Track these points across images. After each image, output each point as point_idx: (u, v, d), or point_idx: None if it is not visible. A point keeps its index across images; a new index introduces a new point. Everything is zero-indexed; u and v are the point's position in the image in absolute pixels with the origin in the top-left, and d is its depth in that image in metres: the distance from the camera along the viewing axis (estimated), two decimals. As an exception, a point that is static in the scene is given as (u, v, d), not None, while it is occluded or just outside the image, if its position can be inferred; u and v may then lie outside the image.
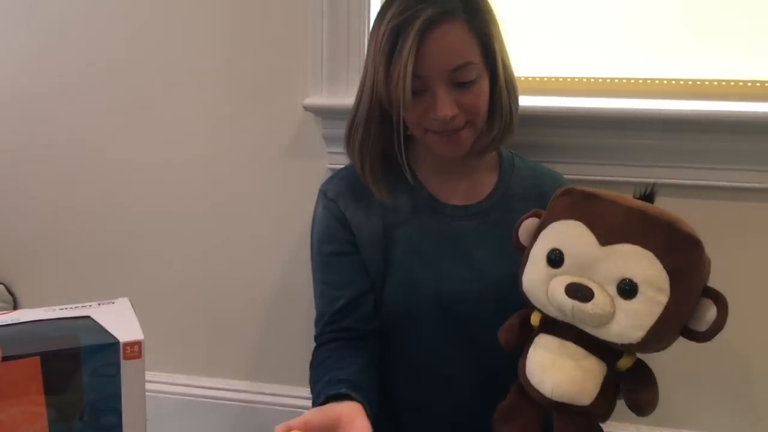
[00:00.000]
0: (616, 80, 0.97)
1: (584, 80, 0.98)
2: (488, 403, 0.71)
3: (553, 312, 0.63)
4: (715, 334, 0.58)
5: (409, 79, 0.69)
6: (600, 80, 0.97)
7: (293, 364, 1.11)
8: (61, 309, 0.54)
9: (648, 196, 0.63)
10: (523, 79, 0.97)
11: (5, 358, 0.46)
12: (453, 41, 0.70)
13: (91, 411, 0.50)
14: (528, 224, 0.68)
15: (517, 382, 0.68)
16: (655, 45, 0.95)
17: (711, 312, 0.58)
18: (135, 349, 0.51)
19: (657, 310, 0.57)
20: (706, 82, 0.94)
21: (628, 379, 0.62)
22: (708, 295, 0.58)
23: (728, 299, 0.58)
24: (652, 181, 0.65)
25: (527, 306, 0.67)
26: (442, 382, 0.82)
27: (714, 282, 0.60)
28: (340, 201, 0.82)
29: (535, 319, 0.67)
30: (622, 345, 0.59)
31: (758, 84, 0.93)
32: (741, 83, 0.94)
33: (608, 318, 0.58)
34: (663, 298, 0.56)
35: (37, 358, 0.47)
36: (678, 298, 0.57)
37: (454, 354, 0.81)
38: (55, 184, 1.14)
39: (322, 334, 0.80)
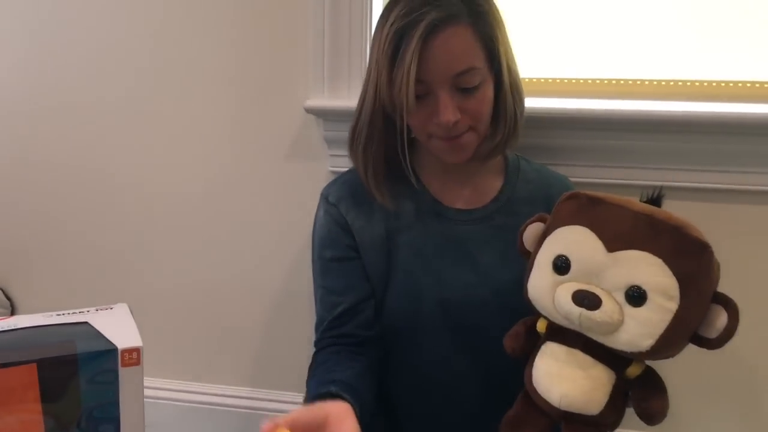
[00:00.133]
0: (622, 82, 0.96)
1: (590, 82, 0.97)
2: (492, 411, 0.70)
3: (559, 320, 0.61)
4: (726, 341, 0.57)
5: (412, 83, 0.68)
6: (606, 82, 0.97)
7: (294, 371, 1.09)
8: (59, 315, 0.54)
9: (655, 200, 0.62)
10: (527, 80, 0.96)
11: (1, 365, 0.46)
12: (457, 46, 0.69)
13: (89, 419, 0.49)
14: (533, 229, 0.67)
15: (524, 390, 0.66)
16: (663, 46, 0.94)
17: (722, 318, 0.56)
18: (133, 355, 0.50)
19: (667, 318, 0.56)
20: (714, 84, 0.93)
21: (638, 387, 0.61)
22: (718, 301, 0.57)
23: (738, 305, 0.57)
24: (659, 184, 0.64)
25: (533, 312, 0.66)
26: (446, 390, 0.81)
27: (723, 287, 0.59)
28: (341, 205, 0.81)
29: (541, 326, 0.66)
30: (631, 353, 0.58)
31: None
32: (750, 84, 0.93)
33: (616, 326, 0.57)
34: (673, 306, 0.55)
35: (34, 365, 0.46)
36: (688, 304, 0.55)
37: (458, 361, 0.80)
38: (53, 187, 1.14)
39: (322, 339, 0.80)
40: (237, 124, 1.05)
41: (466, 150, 0.76)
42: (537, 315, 0.67)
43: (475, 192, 0.81)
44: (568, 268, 0.60)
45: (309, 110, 0.98)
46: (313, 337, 0.81)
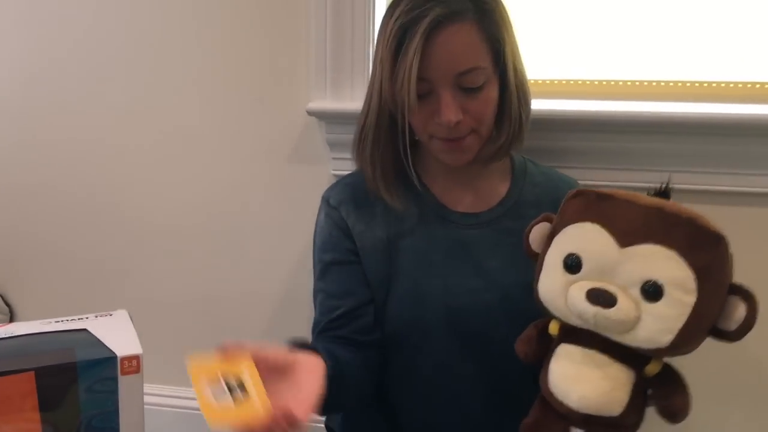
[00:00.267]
0: (629, 83, 0.96)
1: (597, 83, 0.97)
2: (497, 418, 0.68)
3: (573, 320, 0.60)
4: (746, 332, 0.55)
5: (414, 80, 0.67)
6: (614, 83, 0.96)
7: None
8: (57, 322, 0.53)
9: (663, 193, 0.61)
10: (534, 82, 0.96)
11: (-1, 374, 0.45)
12: (461, 44, 0.68)
13: (88, 428, 0.48)
14: (539, 229, 0.66)
15: (540, 395, 0.64)
16: (672, 47, 0.94)
17: (740, 310, 0.55)
18: (133, 363, 0.49)
19: (685, 312, 0.54)
20: (723, 85, 0.93)
21: (658, 385, 0.59)
22: (735, 292, 0.56)
23: None
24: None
25: (542, 317, 0.65)
26: (449, 397, 0.79)
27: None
28: (342, 209, 0.80)
29: (553, 328, 0.64)
30: (650, 350, 0.56)
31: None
32: (759, 85, 0.92)
33: (633, 323, 0.56)
34: (691, 299, 0.54)
35: (32, 373, 0.46)
36: (706, 297, 0.54)
37: (463, 367, 0.78)
38: (52, 192, 1.13)
39: (317, 339, 0.78)
40: (238, 127, 1.04)
41: (467, 152, 0.75)
42: (548, 317, 0.65)
43: (480, 195, 0.80)
44: (580, 266, 0.59)
45: (311, 113, 0.98)
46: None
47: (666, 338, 0.54)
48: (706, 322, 0.56)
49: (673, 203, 0.59)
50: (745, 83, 0.93)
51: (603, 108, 0.91)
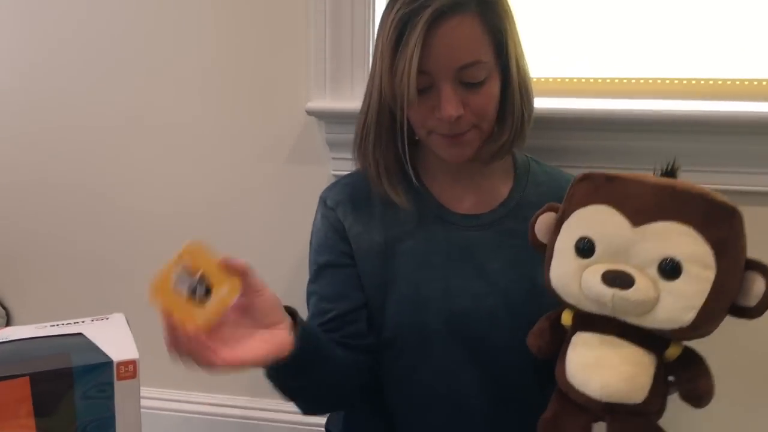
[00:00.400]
0: (634, 81, 0.95)
1: (599, 81, 0.96)
2: (501, 426, 0.67)
3: (589, 306, 0.58)
4: (766, 308, 0.54)
5: (414, 72, 0.66)
6: (617, 81, 0.96)
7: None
8: (53, 326, 0.53)
9: (670, 172, 0.61)
10: (537, 80, 0.94)
11: (-6, 379, 0.44)
12: (463, 36, 0.67)
13: None
14: (545, 219, 0.64)
15: (557, 389, 0.62)
16: (673, 44, 0.94)
17: (758, 284, 0.54)
18: (129, 368, 0.49)
19: (705, 288, 0.53)
20: (726, 82, 0.92)
21: (680, 368, 0.58)
22: (752, 267, 0.55)
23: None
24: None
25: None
26: (452, 404, 0.77)
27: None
28: (339, 210, 0.79)
29: (566, 318, 0.62)
30: (671, 331, 0.54)
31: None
32: (758, 83, 0.92)
33: (653, 303, 0.54)
34: (710, 274, 0.53)
35: (27, 378, 0.45)
36: (725, 271, 0.53)
37: (466, 374, 0.76)
38: (50, 192, 1.12)
39: None
40: (236, 127, 1.04)
41: (467, 148, 0.73)
42: (560, 309, 0.64)
43: (482, 196, 0.79)
44: (593, 249, 0.58)
45: (310, 112, 0.97)
46: None
47: (688, 316, 0.53)
48: (726, 298, 0.54)
49: (682, 181, 0.58)
50: (748, 81, 0.92)
51: (605, 106, 0.90)
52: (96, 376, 0.48)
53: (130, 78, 1.05)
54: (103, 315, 0.57)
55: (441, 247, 0.76)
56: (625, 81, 0.96)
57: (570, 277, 0.59)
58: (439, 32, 0.66)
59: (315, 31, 0.95)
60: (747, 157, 0.89)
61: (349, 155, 0.84)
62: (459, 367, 0.76)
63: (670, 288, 0.54)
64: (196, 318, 0.54)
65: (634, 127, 0.90)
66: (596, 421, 0.60)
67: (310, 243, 0.82)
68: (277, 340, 0.61)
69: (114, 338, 0.51)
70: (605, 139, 0.92)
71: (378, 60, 0.71)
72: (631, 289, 0.54)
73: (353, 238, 0.77)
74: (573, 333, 0.61)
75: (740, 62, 0.92)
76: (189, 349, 0.54)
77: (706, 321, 0.54)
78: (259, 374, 1.07)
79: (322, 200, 0.81)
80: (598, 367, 0.57)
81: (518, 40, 0.73)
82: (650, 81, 0.95)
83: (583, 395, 0.57)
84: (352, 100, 0.93)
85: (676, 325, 0.54)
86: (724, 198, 0.55)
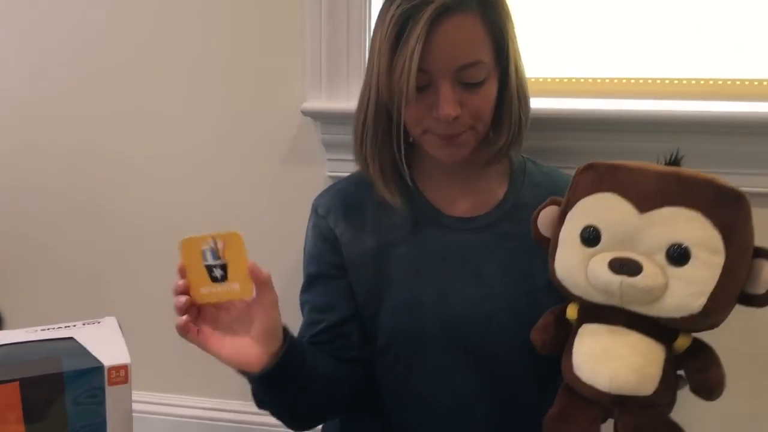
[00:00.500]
0: (632, 81, 0.95)
1: (598, 81, 0.96)
2: None
3: (596, 296, 0.57)
4: None
5: (415, 70, 0.65)
6: (616, 81, 0.95)
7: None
8: (43, 330, 0.52)
9: (675, 162, 0.60)
10: (536, 80, 0.95)
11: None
12: (464, 35, 0.67)
13: None
14: (548, 212, 0.64)
15: (563, 384, 0.61)
16: (671, 44, 0.94)
17: (767, 271, 0.53)
18: (121, 373, 0.48)
19: (715, 273, 0.52)
20: (728, 82, 0.92)
21: (690, 359, 0.56)
22: (760, 255, 0.54)
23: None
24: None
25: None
26: (452, 412, 0.75)
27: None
28: (330, 217, 0.78)
29: (572, 312, 0.61)
30: (681, 319, 0.53)
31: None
32: (758, 83, 0.92)
33: (662, 290, 0.53)
34: (719, 259, 0.52)
35: (16, 383, 0.45)
36: (734, 257, 0.52)
37: (463, 380, 0.74)
38: (43, 195, 1.11)
39: None
40: (231, 128, 1.02)
41: (462, 149, 0.72)
42: (564, 303, 0.62)
43: (477, 198, 0.78)
44: (598, 238, 0.57)
45: (306, 113, 0.96)
46: None
47: (698, 302, 0.52)
48: (736, 285, 0.54)
49: (687, 168, 0.57)
50: (748, 81, 0.92)
51: (602, 106, 0.90)
52: (87, 381, 0.47)
53: (122, 80, 1.04)
54: (96, 318, 0.56)
55: (435, 252, 0.75)
56: (623, 81, 0.95)
57: (576, 267, 0.58)
58: (441, 30, 0.66)
59: (311, 30, 0.94)
60: (746, 157, 0.89)
61: (345, 156, 0.83)
62: (457, 373, 0.74)
63: (679, 274, 0.53)
64: (200, 288, 0.60)
65: (631, 127, 0.90)
66: (605, 415, 0.58)
67: (304, 249, 0.82)
68: (245, 359, 0.64)
69: (105, 342, 0.51)
70: (602, 140, 0.91)
71: (375, 57, 0.70)
72: (639, 276, 0.53)
73: (345, 245, 0.77)
74: (579, 326, 0.60)
75: (738, 62, 0.93)
76: (179, 306, 0.60)
77: (716, 308, 0.53)
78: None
79: (314, 208, 0.81)
80: (606, 358, 0.56)
81: (517, 42, 0.73)
82: (648, 81, 0.95)
83: (591, 388, 0.56)
84: (348, 100, 0.92)
85: (686, 313, 0.53)
86: (731, 183, 0.55)
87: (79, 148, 1.08)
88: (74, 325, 0.53)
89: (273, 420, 1.05)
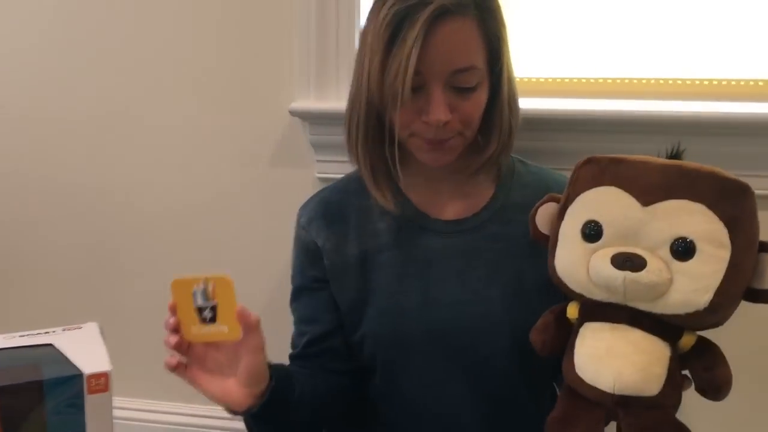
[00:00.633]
0: (627, 81, 0.94)
1: (592, 81, 0.95)
2: None
3: (598, 294, 0.55)
4: None
5: (411, 72, 0.63)
6: (609, 81, 0.95)
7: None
8: (22, 336, 0.51)
9: (676, 156, 0.59)
10: (526, 80, 0.94)
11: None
12: (461, 39, 0.65)
13: None
14: (546, 209, 0.62)
15: (564, 386, 0.59)
16: (665, 44, 0.93)
17: (775, 267, 0.52)
18: (101, 381, 0.47)
19: (721, 268, 0.51)
20: (724, 83, 0.91)
21: (696, 358, 0.55)
22: (766, 249, 0.53)
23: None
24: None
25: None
26: (440, 420, 0.74)
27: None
28: (312, 227, 0.77)
29: (572, 311, 0.59)
30: (687, 315, 0.52)
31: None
32: (754, 83, 0.91)
33: (666, 286, 0.52)
34: (725, 253, 0.51)
35: None
36: (740, 250, 0.51)
37: (453, 388, 0.73)
38: (22, 196, 1.09)
39: (292, 362, 0.79)
40: (217, 129, 1.01)
41: (448, 154, 0.71)
42: (564, 303, 0.61)
43: (464, 200, 0.76)
44: (600, 233, 0.55)
45: (294, 113, 0.94)
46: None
47: (704, 298, 0.51)
48: (742, 280, 0.52)
49: (689, 162, 0.56)
50: (744, 81, 0.91)
51: (597, 107, 0.89)
52: (66, 390, 0.46)
53: (108, 82, 1.02)
54: (77, 324, 0.56)
55: (420, 256, 0.74)
56: (618, 81, 0.95)
57: (577, 263, 0.56)
58: (438, 32, 0.64)
59: (299, 29, 0.93)
60: (744, 159, 0.87)
61: (335, 158, 0.82)
62: (445, 379, 0.73)
63: (683, 269, 0.51)
64: (190, 327, 0.62)
65: (626, 128, 0.89)
66: (609, 417, 0.56)
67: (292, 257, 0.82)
68: (230, 399, 0.64)
69: (85, 349, 0.50)
70: (597, 141, 0.89)
71: (367, 57, 0.68)
72: (644, 271, 0.51)
73: (328, 254, 0.76)
74: (580, 325, 0.58)
75: (736, 62, 0.92)
76: (169, 344, 0.62)
77: (722, 304, 0.51)
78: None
79: (298, 218, 0.80)
80: (610, 358, 0.54)
81: (509, 50, 0.72)
82: (643, 81, 0.94)
83: (594, 389, 0.54)
84: (337, 100, 0.90)
85: (691, 309, 0.51)
86: (734, 175, 0.54)
87: (62, 151, 1.06)
88: (54, 331, 0.52)
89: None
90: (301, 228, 0.79)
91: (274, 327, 1.00)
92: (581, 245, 0.56)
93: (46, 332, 0.52)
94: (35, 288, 1.12)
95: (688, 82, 0.93)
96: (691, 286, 0.51)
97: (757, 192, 0.88)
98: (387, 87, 0.66)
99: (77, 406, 0.47)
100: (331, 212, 0.77)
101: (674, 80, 0.93)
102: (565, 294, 0.60)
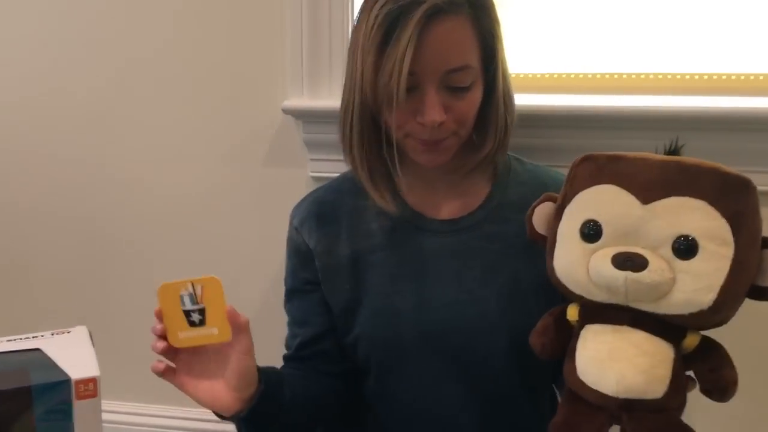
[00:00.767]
0: (625, 76, 0.93)
1: (589, 77, 0.94)
2: None
3: (599, 295, 0.54)
4: None
5: (405, 72, 0.62)
6: (607, 76, 0.94)
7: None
8: (10, 341, 0.51)
9: (674, 152, 0.57)
10: (522, 76, 0.93)
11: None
12: (455, 39, 0.65)
13: None
14: (543, 209, 0.61)
15: (566, 390, 0.57)
16: (664, 38, 0.92)
17: (779, 263, 0.51)
18: (89, 386, 0.47)
19: (724, 266, 0.50)
20: (723, 77, 0.90)
21: (700, 359, 0.53)
22: (769, 246, 0.52)
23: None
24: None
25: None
26: (436, 422, 0.74)
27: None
28: (304, 229, 0.77)
29: (572, 313, 0.58)
30: (690, 315, 0.50)
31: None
32: (754, 77, 0.90)
33: (669, 285, 0.50)
34: (728, 251, 0.50)
35: None
36: (743, 247, 0.50)
37: (449, 390, 0.72)
38: (10, 198, 1.08)
39: (286, 363, 0.79)
40: (208, 127, 1.00)
41: (443, 154, 0.70)
42: (563, 305, 0.59)
43: (460, 200, 0.75)
44: (599, 233, 0.54)
45: (287, 111, 0.93)
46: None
47: (708, 297, 0.49)
48: (746, 277, 0.51)
49: (689, 157, 0.55)
50: (744, 75, 0.91)
51: (596, 103, 0.88)
52: (54, 395, 0.46)
53: (99, 81, 1.01)
54: (66, 328, 0.55)
55: (414, 256, 0.73)
56: (616, 77, 0.94)
57: (576, 264, 0.55)
58: (432, 32, 0.63)
59: (291, 26, 0.92)
60: (744, 154, 0.86)
61: (329, 156, 0.81)
62: (441, 381, 0.73)
63: (686, 268, 0.50)
64: (178, 332, 0.62)
65: (625, 124, 0.88)
66: (612, 421, 0.55)
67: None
68: (219, 403, 0.64)
69: (74, 354, 0.49)
70: (596, 137, 0.89)
71: (359, 57, 0.67)
72: (645, 271, 0.50)
73: (319, 256, 0.75)
74: (581, 327, 0.57)
75: (735, 56, 0.91)
76: (156, 350, 0.62)
77: (727, 303, 0.50)
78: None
79: (291, 219, 0.80)
80: (613, 361, 0.52)
81: (504, 47, 0.71)
82: (642, 76, 0.93)
83: (596, 393, 0.53)
84: (330, 98, 0.89)
85: (695, 309, 0.50)
86: (735, 170, 0.52)
87: (52, 152, 1.05)
88: (42, 336, 0.52)
89: None
90: (294, 229, 0.78)
91: (268, 327, 0.98)
92: (580, 245, 0.55)
93: (34, 336, 0.52)
94: (23, 291, 1.11)
95: (686, 77, 0.92)
96: (695, 285, 0.50)
97: (758, 188, 0.88)
98: (381, 88, 0.65)
99: (66, 412, 0.46)
100: (324, 212, 0.76)
101: (672, 75, 0.92)
102: (565, 295, 0.58)
